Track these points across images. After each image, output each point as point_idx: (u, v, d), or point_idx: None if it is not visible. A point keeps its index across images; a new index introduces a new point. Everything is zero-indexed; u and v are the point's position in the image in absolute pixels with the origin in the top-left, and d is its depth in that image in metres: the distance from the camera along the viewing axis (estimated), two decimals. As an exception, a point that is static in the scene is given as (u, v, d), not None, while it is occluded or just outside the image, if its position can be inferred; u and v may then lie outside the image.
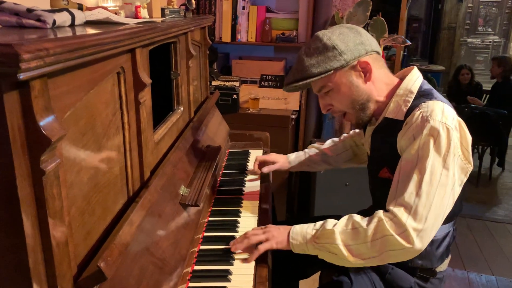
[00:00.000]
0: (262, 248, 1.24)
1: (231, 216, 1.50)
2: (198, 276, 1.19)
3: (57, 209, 0.70)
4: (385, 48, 3.57)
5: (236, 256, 1.26)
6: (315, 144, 1.79)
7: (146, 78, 1.12)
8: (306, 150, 1.79)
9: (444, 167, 1.14)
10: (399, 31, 2.96)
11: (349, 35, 1.25)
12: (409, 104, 1.25)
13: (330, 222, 1.22)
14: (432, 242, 1.28)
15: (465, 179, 1.25)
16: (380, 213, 1.17)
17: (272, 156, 1.79)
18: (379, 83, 1.30)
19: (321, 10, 3.04)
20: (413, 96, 1.26)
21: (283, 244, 1.25)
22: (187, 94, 1.73)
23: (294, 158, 1.77)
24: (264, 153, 2.13)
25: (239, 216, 1.50)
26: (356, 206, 1.66)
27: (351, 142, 1.71)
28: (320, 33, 1.28)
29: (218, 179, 1.80)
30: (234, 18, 3.11)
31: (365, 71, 1.27)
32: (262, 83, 3.04)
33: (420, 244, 1.13)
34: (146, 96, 1.15)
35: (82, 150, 0.84)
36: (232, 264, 1.23)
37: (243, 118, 2.90)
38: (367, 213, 1.24)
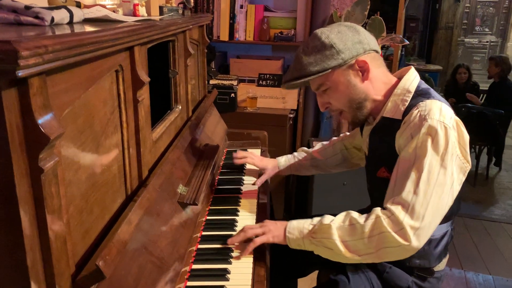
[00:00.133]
0: (258, 240, 1.24)
1: (229, 215, 1.50)
2: (196, 275, 1.18)
3: (56, 207, 0.70)
4: (383, 48, 3.58)
5: (234, 255, 1.26)
6: (304, 148, 1.78)
7: (144, 76, 1.11)
8: (295, 153, 1.77)
9: (442, 166, 1.14)
10: (397, 31, 2.96)
11: (347, 33, 1.25)
12: (406, 103, 1.25)
13: (328, 218, 1.21)
14: (430, 241, 1.29)
15: (463, 178, 1.25)
16: (377, 210, 1.17)
17: (263, 162, 1.76)
18: (377, 82, 1.30)
19: (319, 9, 3.04)
20: (410, 95, 1.26)
21: (279, 238, 1.25)
22: (185, 92, 1.73)
23: (284, 163, 1.75)
24: (262, 152, 2.12)
25: (237, 215, 1.50)
26: (354, 205, 1.66)
27: (341, 146, 1.69)
28: (319, 31, 1.27)
29: (216, 178, 1.80)
30: (232, 16, 3.11)
31: (363, 70, 1.26)
32: (260, 82, 3.04)
33: (417, 242, 1.12)
34: (144, 95, 1.15)
35: (80, 148, 0.84)
36: (230, 263, 1.23)
37: (241, 117, 2.90)
38: (365, 212, 1.24)
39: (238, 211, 1.52)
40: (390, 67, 3.05)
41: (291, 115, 2.99)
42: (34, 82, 0.63)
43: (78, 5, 1.12)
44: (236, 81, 3.01)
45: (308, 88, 3.13)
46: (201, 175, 1.50)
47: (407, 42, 2.75)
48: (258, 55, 3.34)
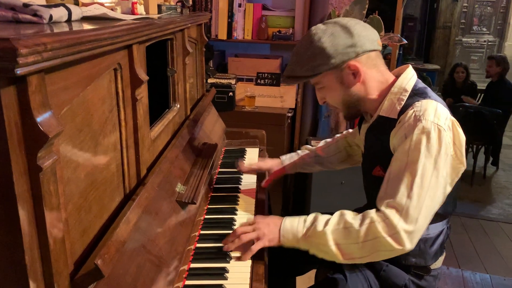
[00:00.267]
0: (255, 248, 1.24)
1: (227, 214, 1.50)
2: (194, 273, 1.18)
3: (54, 206, 0.70)
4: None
5: (232, 254, 1.26)
6: (308, 146, 1.78)
7: (143, 75, 1.11)
8: (298, 151, 1.77)
9: (435, 168, 1.15)
10: (394, 30, 2.96)
11: (340, 36, 1.23)
12: (403, 103, 1.25)
13: (321, 221, 1.21)
14: (426, 240, 1.29)
15: (456, 179, 1.25)
16: (372, 213, 1.18)
17: (268, 164, 1.75)
18: (371, 82, 1.29)
19: (318, 8, 3.04)
20: (407, 95, 1.26)
21: (274, 242, 1.25)
22: (184, 91, 1.72)
23: (288, 161, 1.74)
24: (260, 151, 2.12)
25: (235, 214, 1.50)
26: (352, 204, 1.66)
27: (345, 143, 1.70)
28: (313, 30, 1.27)
29: (215, 177, 1.80)
30: (230, 15, 3.11)
31: (355, 73, 1.27)
32: (258, 81, 3.04)
33: (410, 245, 1.15)
34: (142, 93, 1.15)
35: (79, 146, 0.84)
36: (228, 262, 1.23)
37: (239, 116, 2.90)
38: (362, 211, 1.25)
39: (237, 210, 1.52)
40: (388, 66, 3.04)
41: (289, 114, 2.99)
42: (32, 80, 0.63)
43: (76, 3, 1.12)
44: (234, 80, 3.01)
45: (306, 87, 3.13)
46: (200, 173, 1.50)
47: (405, 41, 2.75)
48: (256, 54, 3.34)
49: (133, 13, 1.32)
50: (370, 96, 1.30)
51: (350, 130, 1.70)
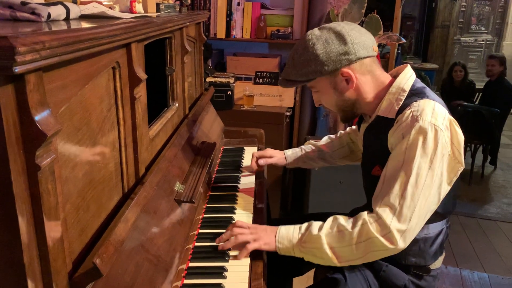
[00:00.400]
0: (251, 247, 1.24)
1: (226, 213, 1.50)
2: (193, 273, 1.18)
3: (52, 205, 0.69)
4: (379, 46, 3.58)
5: (231, 253, 1.26)
6: (312, 141, 1.79)
7: (141, 74, 1.11)
8: (302, 146, 1.79)
9: (430, 168, 1.16)
10: (393, 29, 2.96)
11: (334, 43, 1.24)
12: (401, 103, 1.25)
13: (315, 226, 1.23)
14: (426, 239, 1.29)
15: (455, 178, 1.25)
16: (364, 215, 1.19)
17: (269, 152, 1.78)
18: (365, 87, 1.30)
19: (316, 7, 3.04)
20: (405, 95, 1.26)
21: (270, 246, 1.25)
22: (182, 90, 1.72)
23: (291, 154, 1.77)
24: (259, 150, 2.12)
25: (234, 213, 1.50)
26: (350, 203, 1.66)
27: (348, 139, 1.71)
28: (308, 36, 1.28)
29: (213, 176, 1.79)
30: (229, 14, 3.10)
31: (348, 80, 1.28)
32: (257, 80, 3.03)
33: (403, 244, 1.16)
34: (141, 92, 1.14)
35: (77, 145, 0.83)
36: (227, 261, 1.23)
37: (238, 115, 2.89)
38: (362, 210, 1.25)
39: (235, 209, 1.52)
40: (386, 65, 3.05)
41: (288, 113, 2.99)
42: (31, 78, 0.62)
43: (75, 1, 1.11)
44: (233, 79, 3.00)
45: (305, 87, 3.12)
46: (198, 173, 1.49)
47: (404, 40, 2.76)
48: (254, 52, 3.34)
49: (131, 11, 1.31)
50: (365, 100, 1.32)
51: (354, 127, 1.71)
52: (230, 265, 1.21)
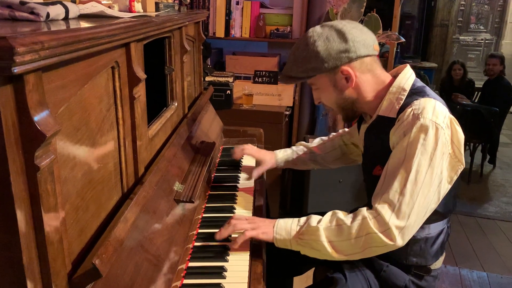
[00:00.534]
0: (248, 234, 1.24)
1: (225, 212, 1.49)
2: (192, 272, 1.18)
3: (52, 205, 0.69)
4: (378, 45, 3.57)
5: (231, 253, 1.26)
6: (303, 142, 1.78)
7: (140, 73, 1.11)
8: (293, 147, 1.76)
9: (429, 165, 1.16)
10: (392, 28, 2.96)
11: (334, 41, 1.24)
12: (401, 102, 1.25)
13: (314, 219, 1.23)
14: (427, 239, 1.29)
15: (455, 177, 1.25)
16: (364, 210, 1.19)
17: (260, 154, 1.74)
18: (365, 86, 1.30)
19: (316, 6, 3.04)
20: (405, 94, 1.26)
21: (268, 236, 1.25)
22: (181, 89, 1.72)
23: (282, 156, 1.74)
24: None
25: (233, 213, 1.49)
26: (349, 202, 1.67)
27: (340, 141, 1.70)
28: (310, 33, 1.28)
29: (212, 175, 1.79)
30: (228, 13, 3.10)
31: (347, 78, 1.28)
32: (256, 79, 3.03)
33: (401, 241, 1.16)
34: (140, 91, 1.14)
35: (76, 145, 0.83)
36: (227, 261, 1.22)
37: (237, 114, 2.89)
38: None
39: (235, 209, 1.52)
40: (385, 64, 3.05)
41: (287, 112, 2.99)
42: (30, 78, 0.62)
43: (74, 0, 1.11)
44: (232, 78, 3.00)
45: (304, 86, 3.13)
46: (198, 172, 1.49)
47: (403, 39, 2.75)
48: (254, 52, 3.33)
49: (130, 11, 1.31)
50: (365, 99, 1.32)
51: (346, 129, 1.70)
52: (229, 265, 1.21)
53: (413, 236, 1.20)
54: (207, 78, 2.93)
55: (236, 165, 1.90)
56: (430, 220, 1.24)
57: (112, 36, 0.89)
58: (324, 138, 1.76)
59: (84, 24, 0.88)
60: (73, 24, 0.88)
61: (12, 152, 0.62)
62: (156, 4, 1.53)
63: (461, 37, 7.83)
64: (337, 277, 1.31)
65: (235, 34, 3.15)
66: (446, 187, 1.23)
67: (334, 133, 1.75)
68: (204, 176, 1.48)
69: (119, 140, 1.05)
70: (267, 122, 2.81)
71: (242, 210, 1.52)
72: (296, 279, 1.83)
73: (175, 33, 1.59)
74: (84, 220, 0.87)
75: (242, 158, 1.97)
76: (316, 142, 1.76)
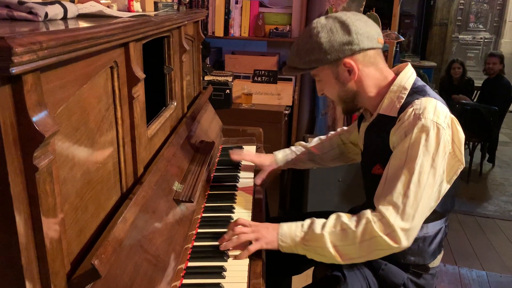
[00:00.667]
0: (253, 248, 1.24)
1: (225, 212, 1.49)
2: (192, 272, 1.18)
3: (50, 206, 0.69)
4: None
5: (230, 253, 1.26)
6: (302, 142, 1.78)
7: (139, 73, 1.11)
8: (292, 148, 1.77)
9: (432, 166, 1.16)
10: (391, 27, 2.96)
11: (338, 33, 1.24)
12: (402, 101, 1.25)
13: (318, 224, 1.22)
14: (425, 238, 1.30)
15: (455, 177, 1.25)
16: (368, 213, 1.18)
17: (261, 159, 1.75)
18: (368, 80, 1.29)
19: (315, 5, 3.04)
20: (406, 93, 1.26)
21: (273, 245, 1.25)
22: (180, 89, 1.72)
23: (281, 157, 1.74)
24: (257, 148, 2.11)
25: (233, 212, 1.49)
26: (349, 201, 1.67)
27: (338, 140, 1.70)
28: (314, 24, 1.28)
29: (212, 175, 1.79)
30: (227, 12, 3.10)
31: (350, 71, 1.27)
32: (255, 78, 3.03)
33: (406, 242, 1.16)
34: (139, 91, 1.14)
35: (75, 146, 0.83)
36: (226, 261, 1.22)
37: (236, 113, 2.89)
38: (361, 209, 1.25)
39: (234, 208, 1.52)
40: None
41: (286, 112, 2.99)
42: (28, 79, 0.62)
43: (72, 0, 1.10)
44: (231, 77, 3.00)
45: (303, 85, 3.13)
46: (197, 172, 1.49)
47: (402, 38, 2.76)
48: (253, 51, 3.33)
49: (129, 10, 1.31)
50: (367, 93, 1.31)
51: (345, 128, 1.70)
52: (229, 264, 1.21)
53: None
54: (206, 78, 2.92)
55: (235, 165, 1.90)
56: (429, 219, 1.24)
57: (111, 36, 0.88)
58: (323, 137, 1.76)
59: (82, 24, 0.88)
60: (71, 24, 0.88)
61: (11, 153, 0.62)
62: (155, 3, 1.53)
63: (460, 36, 7.83)
64: (336, 275, 1.31)
65: (234, 33, 3.15)
66: (445, 187, 1.23)
67: (332, 132, 1.75)
68: (203, 175, 1.48)
69: (118, 140, 1.05)
70: (266, 121, 2.81)
71: (241, 210, 1.52)
72: (295, 278, 1.82)
73: (174, 33, 1.59)
74: (83, 220, 0.86)
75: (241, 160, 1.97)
76: (314, 141, 1.76)
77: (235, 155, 1.74)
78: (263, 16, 3.10)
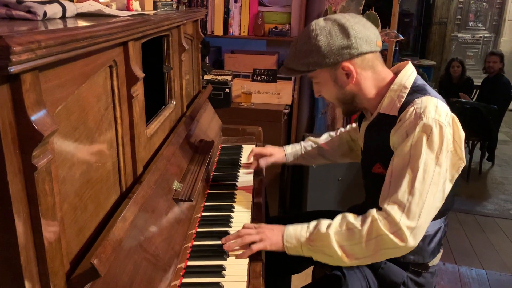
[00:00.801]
0: (255, 248, 1.24)
1: (224, 211, 1.49)
2: (191, 271, 1.18)
3: (49, 205, 0.69)
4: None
5: (230, 252, 1.25)
6: (312, 138, 1.79)
7: (138, 72, 1.10)
8: (302, 143, 1.78)
9: (437, 164, 1.15)
10: (391, 26, 2.96)
11: (336, 36, 1.23)
12: (403, 100, 1.25)
13: (324, 224, 1.22)
14: (424, 237, 1.29)
15: (456, 175, 1.25)
16: (373, 212, 1.18)
17: (269, 149, 1.77)
18: (367, 82, 1.30)
19: (314, 4, 3.03)
20: (407, 92, 1.26)
21: (277, 246, 1.25)
22: (180, 88, 1.71)
23: (291, 151, 1.76)
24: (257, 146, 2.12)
25: (232, 211, 1.49)
26: (348, 201, 1.66)
27: (348, 137, 1.71)
28: (312, 26, 1.27)
29: (211, 174, 1.79)
30: (226, 11, 3.09)
31: (348, 74, 1.27)
32: (255, 77, 3.03)
33: (413, 241, 1.14)
34: (138, 90, 1.14)
35: (74, 145, 0.83)
36: (225, 260, 1.22)
37: (236, 112, 2.89)
38: (360, 208, 1.25)
39: (234, 207, 1.52)
40: (384, 62, 3.04)
41: (286, 111, 2.98)
42: (26, 78, 0.62)
43: (71, -1, 1.10)
44: (231, 76, 3.00)
45: (303, 84, 3.13)
46: (196, 171, 1.49)
47: (401, 37, 2.75)
48: (252, 50, 3.32)
49: (128, 9, 1.31)
50: (366, 95, 1.31)
51: (354, 125, 1.70)
52: (228, 264, 1.21)
53: None
54: (206, 77, 2.92)
55: (235, 164, 1.90)
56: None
57: (110, 35, 0.88)
58: (332, 133, 1.77)
59: (81, 23, 0.87)
60: (70, 23, 0.87)
61: (9, 152, 0.61)
62: (154, 2, 1.52)
63: (459, 35, 7.83)
64: (336, 274, 1.31)
65: (234, 32, 3.14)
66: (449, 186, 1.23)
67: (342, 129, 1.76)
68: (203, 175, 1.48)
69: (117, 139, 1.05)
70: (266, 120, 2.81)
71: (241, 209, 1.52)
72: (295, 277, 1.83)
73: (173, 32, 1.59)
74: (82, 220, 0.86)
75: (241, 157, 1.97)
76: (324, 137, 1.76)
77: (262, 161, 1.76)
78: (263, 15, 3.09)
